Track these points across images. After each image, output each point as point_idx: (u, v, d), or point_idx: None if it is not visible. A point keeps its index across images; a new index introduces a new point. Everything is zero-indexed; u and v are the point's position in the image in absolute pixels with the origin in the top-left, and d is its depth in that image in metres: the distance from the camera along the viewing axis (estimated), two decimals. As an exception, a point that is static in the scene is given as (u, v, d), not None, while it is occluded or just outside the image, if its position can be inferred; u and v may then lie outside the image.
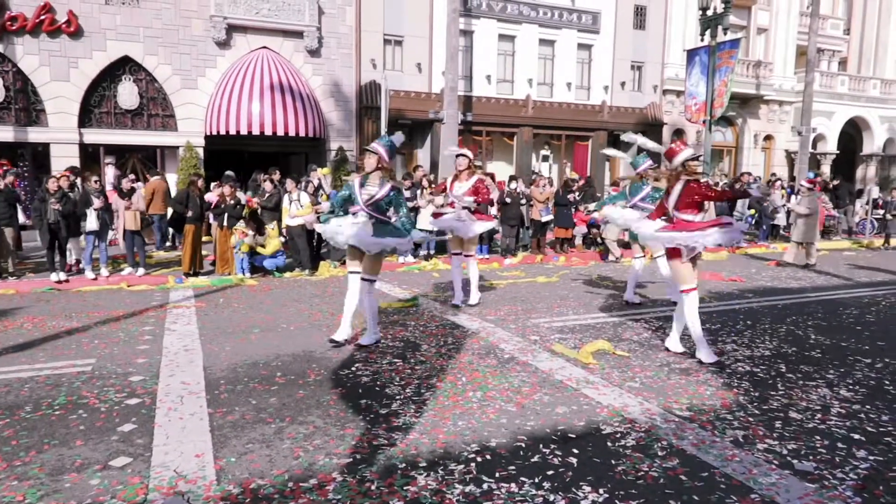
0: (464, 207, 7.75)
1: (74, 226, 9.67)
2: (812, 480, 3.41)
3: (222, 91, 16.40)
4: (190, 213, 10.20)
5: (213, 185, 12.10)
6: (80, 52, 15.34)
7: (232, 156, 17.06)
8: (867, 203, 18.14)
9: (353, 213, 5.91)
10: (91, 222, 9.75)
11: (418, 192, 12.06)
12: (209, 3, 16.30)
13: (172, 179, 15.88)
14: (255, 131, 16.16)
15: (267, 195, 10.79)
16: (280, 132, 16.26)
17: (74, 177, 10.11)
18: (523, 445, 3.83)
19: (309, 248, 10.82)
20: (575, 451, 3.76)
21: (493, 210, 11.64)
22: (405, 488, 3.28)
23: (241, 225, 10.18)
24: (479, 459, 3.63)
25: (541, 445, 3.83)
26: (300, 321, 7.21)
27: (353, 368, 5.36)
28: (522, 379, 5.11)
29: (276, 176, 11.65)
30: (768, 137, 25.46)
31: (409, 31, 19.02)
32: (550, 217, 13.46)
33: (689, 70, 18.62)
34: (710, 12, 16.72)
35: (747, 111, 24.62)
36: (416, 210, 11.80)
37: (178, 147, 16.46)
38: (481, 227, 8.01)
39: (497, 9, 20.14)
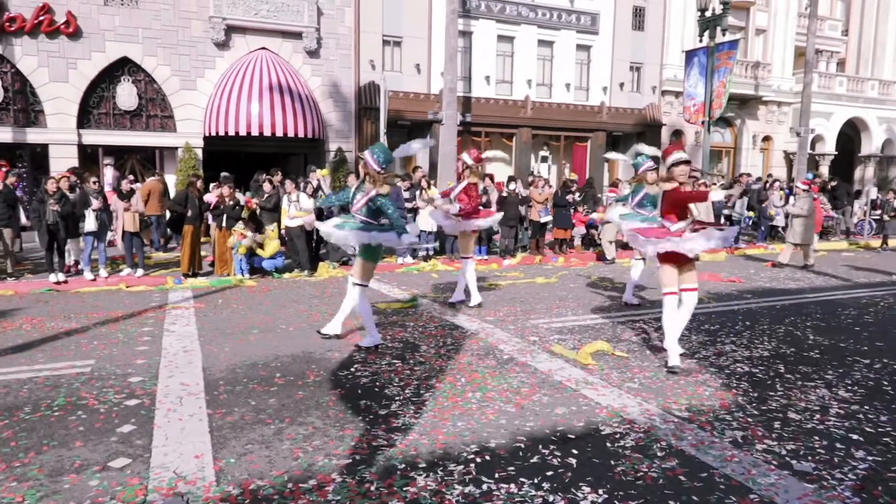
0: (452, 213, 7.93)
1: (73, 227, 9.67)
2: (811, 481, 3.42)
3: (221, 92, 16.39)
4: (189, 214, 10.19)
5: (212, 185, 12.10)
6: (79, 52, 15.33)
7: (231, 157, 17.07)
8: (865, 204, 18.17)
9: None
10: (89, 223, 9.74)
11: (417, 192, 12.06)
12: (208, 4, 16.28)
13: (171, 180, 15.89)
14: (254, 132, 16.15)
15: (266, 196, 10.79)
16: (279, 133, 16.26)
17: (75, 178, 10.11)
18: (522, 446, 3.84)
19: (308, 249, 10.82)
20: (574, 451, 3.76)
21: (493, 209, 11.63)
22: (405, 489, 3.28)
23: (239, 226, 10.17)
24: (478, 460, 3.63)
25: (540, 446, 3.84)
26: (299, 322, 7.21)
27: (353, 369, 5.37)
28: (521, 380, 5.12)
29: (279, 177, 11.65)
30: (767, 138, 25.48)
31: (408, 31, 19.02)
32: (549, 218, 13.47)
33: (688, 71, 18.62)
34: (708, 13, 16.73)
35: (746, 112, 24.65)
36: (415, 211, 11.82)
37: (176, 148, 16.44)
38: (466, 226, 8.08)
39: (496, 10, 20.15)
